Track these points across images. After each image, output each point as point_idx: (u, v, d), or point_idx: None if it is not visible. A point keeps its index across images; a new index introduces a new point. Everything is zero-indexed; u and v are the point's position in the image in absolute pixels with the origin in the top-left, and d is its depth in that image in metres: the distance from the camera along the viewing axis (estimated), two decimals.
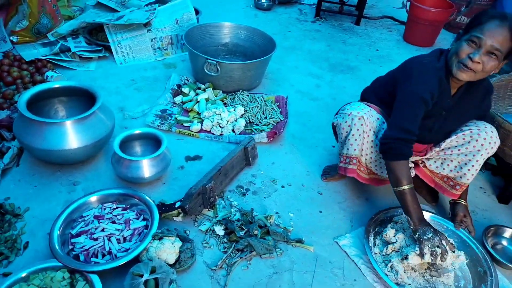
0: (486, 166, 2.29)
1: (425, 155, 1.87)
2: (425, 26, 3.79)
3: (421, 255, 1.55)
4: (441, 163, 1.84)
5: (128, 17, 2.92)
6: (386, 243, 1.73)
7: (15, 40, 2.83)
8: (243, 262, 1.62)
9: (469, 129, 1.72)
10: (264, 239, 1.71)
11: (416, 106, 1.58)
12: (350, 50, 3.66)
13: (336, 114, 1.86)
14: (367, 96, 1.92)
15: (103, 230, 1.58)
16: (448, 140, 1.77)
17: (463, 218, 1.84)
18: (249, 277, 1.57)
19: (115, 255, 1.51)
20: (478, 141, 1.70)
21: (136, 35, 2.95)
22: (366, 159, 1.81)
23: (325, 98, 2.88)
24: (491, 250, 1.76)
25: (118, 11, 3.15)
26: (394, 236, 1.69)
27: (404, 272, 1.61)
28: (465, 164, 1.75)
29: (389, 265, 1.62)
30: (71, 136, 1.77)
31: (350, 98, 2.87)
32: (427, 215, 1.85)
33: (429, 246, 1.55)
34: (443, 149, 1.81)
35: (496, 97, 2.38)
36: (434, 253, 1.54)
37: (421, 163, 1.92)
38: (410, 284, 1.61)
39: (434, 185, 1.91)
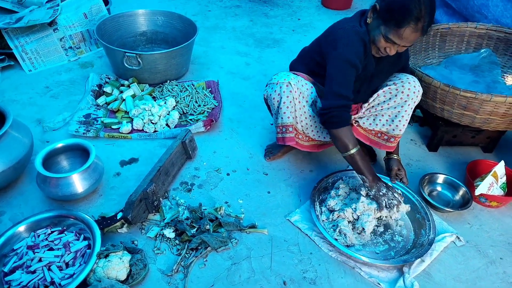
0: (414, 118, 2.42)
1: (356, 113, 1.93)
2: None
3: (381, 208, 1.69)
4: (373, 120, 1.92)
5: (29, 17, 2.62)
6: (331, 210, 1.79)
7: None
8: (200, 261, 1.58)
9: (393, 83, 1.82)
10: (217, 232, 1.67)
11: (347, 71, 1.62)
12: (273, 23, 3.63)
13: (266, 86, 1.85)
14: (295, 68, 1.92)
15: (40, 260, 1.45)
16: (375, 95, 1.85)
17: (397, 171, 1.96)
18: (208, 274, 1.54)
19: (59, 284, 1.39)
20: (404, 93, 1.80)
21: (42, 37, 2.67)
22: (302, 126, 1.83)
23: (257, 75, 2.84)
24: (427, 197, 1.88)
25: (17, 12, 2.81)
26: (336, 204, 1.77)
27: (352, 233, 1.69)
28: (395, 116, 1.85)
29: (337, 230, 1.69)
30: None
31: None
32: None
33: (386, 200, 1.68)
34: (373, 106, 1.88)
35: (413, 51, 2.50)
36: (391, 205, 1.68)
37: (355, 123, 1.97)
38: (359, 244, 1.68)
39: (369, 142, 1.98)
